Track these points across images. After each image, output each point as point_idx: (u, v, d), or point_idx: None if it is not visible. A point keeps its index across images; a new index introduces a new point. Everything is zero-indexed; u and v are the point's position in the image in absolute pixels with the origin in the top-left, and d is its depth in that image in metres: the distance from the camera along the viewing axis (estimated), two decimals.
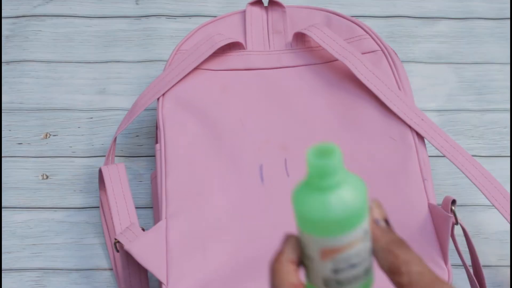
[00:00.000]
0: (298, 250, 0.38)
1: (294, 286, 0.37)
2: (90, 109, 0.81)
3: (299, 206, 0.36)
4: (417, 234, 0.63)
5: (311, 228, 0.36)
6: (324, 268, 0.37)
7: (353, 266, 0.37)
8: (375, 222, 0.38)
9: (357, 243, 0.36)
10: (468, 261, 0.67)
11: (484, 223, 0.74)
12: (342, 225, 0.35)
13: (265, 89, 0.73)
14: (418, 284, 0.35)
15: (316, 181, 0.35)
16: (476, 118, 0.81)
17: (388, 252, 0.37)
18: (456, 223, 0.62)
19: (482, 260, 0.70)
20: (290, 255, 0.37)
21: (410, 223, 0.64)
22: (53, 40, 0.86)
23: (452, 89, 0.83)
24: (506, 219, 0.65)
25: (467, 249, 0.66)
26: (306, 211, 0.35)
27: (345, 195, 0.35)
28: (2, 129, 0.80)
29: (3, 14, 0.88)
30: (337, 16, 0.75)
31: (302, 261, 0.38)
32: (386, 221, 0.38)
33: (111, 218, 0.68)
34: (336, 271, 0.37)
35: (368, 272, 0.38)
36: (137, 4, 0.89)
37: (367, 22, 0.88)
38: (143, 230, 0.65)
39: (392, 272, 0.36)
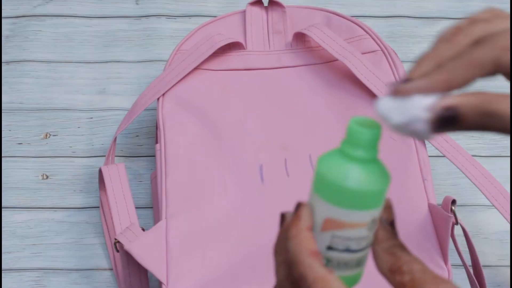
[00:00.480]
0: (312, 217, 0.36)
1: (314, 253, 0.36)
2: (90, 109, 0.81)
3: (323, 167, 0.36)
4: (417, 234, 0.63)
5: (327, 192, 0.35)
6: (321, 240, 0.37)
7: (347, 250, 0.37)
8: (382, 222, 0.37)
9: (361, 227, 0.36)
10: (468, 261, 0.67)
11: (484, 223, 0.74)
12: (356, 200, 0.35)
13: (265, 89, 0.73)
14: (421, 281, 0.35)
15: (351, 149, 0.35)
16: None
17: (390, 254, 0.37)
18: (456, 223, 0.62)
19: (482, 260, 0.70)
20: (307, 222, 0.36)
21: (410, 223, 0.64)
22: (53, 40, 0.86)
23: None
24: (506, 219, 0.65)
25: (467, 249, 0.66)
26: (329, 173, 0.35)
27: (372, 173, 0.35)
28: (2, 129, 0.80)
29: (3, 14, 0.88)
30: (337, 16, 0.75)
31: None
32: (392, 224, 0.38)
33: (111, 218, 0.68)
34: (330, 248, 0.37)
35: (358, 265, 0.38)
36: (137, 4, 0.89)
37: (367, 22, 0.88)
38: (143, 230, 0.65)
39: (393, 271, 0.36)
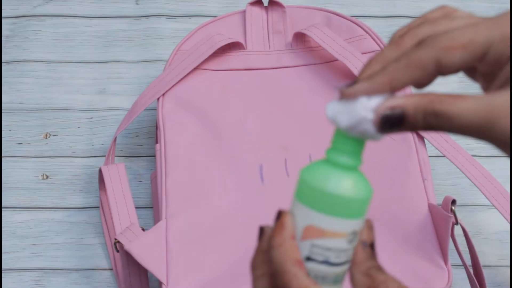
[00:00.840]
0: (294, 226, 0.36)
1: (299, 262, 0.35)
2: (90, 109, 0.81)
3: (307, 174, 0.36)
4: (417, 234, 0.63)
5: (309, 198, 0.36)
6: (300, 250, 0.37)
7: (326, 262, 0.36)
8: (362, 244, 0.37)
9: (341, 237, 0.36)
10: (468, 261, 0.67)
11: (484, 223, 0.74)
12: (337, 205, 0.35)
13: (265, 89, 0.73)
14: None
15: (335, 155, 0.36)
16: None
17: (367, 276, 0.36)
18: (456, 223, 0.62)
19: (482, 260, 0.70)
20: (291, 230, 0.36)
21: (410, 223, 0.64)
22: (53, 40, 0.86)
23: (452, 89, 0.83)
24: (506, 219, 0.65)
25: (467, 249, 0.66)
26: (312, 179, 0.36)
27: (354, 181, 0.36)
28: (2, 129, 0.80)
29: (3, 14, 0.88)
30: (337, 16, 0.75)
31: None
32: (372, 246, 0.37)
33: (111, 218, 0.68)
34: (309, 258, 0.36)
35: (336, 282, 0.37)
36: (137, 4, 0.89)
37: (367, 22, 0.88)
38: (143, 230, 0.65)
39: None
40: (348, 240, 0.36)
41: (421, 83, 0.34)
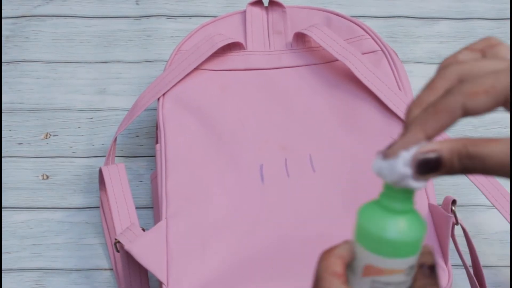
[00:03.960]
0: (349, 254, 0.39)
1: (336, 274, 0.38)
2: (90, 109, 0.81)
3: (363, 218, 0.38)
4: None
5: (366, 241, 0.38)
6: (362, 285, 0.39)
7: None
8: (421, 266, 0.39)
9: (400, 273, 0.38)
10: (468, 261, 0.67)
11: (484, 223, 0.74)
12: (394, 249, 0.37)
13: (265, 89, 0.73)
14: None
15: (388, 201, 0.37)
16: (476, 118, 0.81)
17: None
18: (456, 223, 0.62)
19: (482, 260, 0.70)
20: (341, 252, 0.39)
21: None
22: (53, 40, 0.86)
23: None
24: (506, 219, 0.65)
25: (467, 249, 0.66)
26: (368, 224, 0.38)
27: (408, 224, 0.37)
28: (2, 129, 0.80)
29: (3, 14, 0.88)
30: (337, 16, 0.75)
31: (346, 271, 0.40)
32: (432, 268, 0.39)
33: (111, 218, 0.68)
34: None
35: None
36: (137, 4, 0.89)
37: (367, 22, 0.88)
38: (143, 230, 0.65)
39: None
40: (406, 274, 0.38)
41: (451, 124, 0.36)
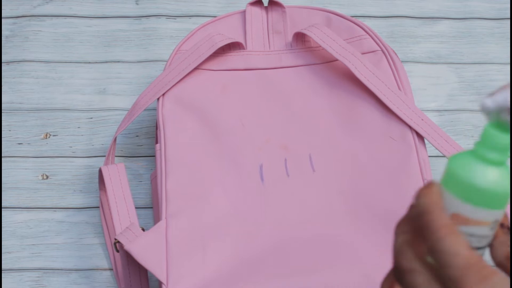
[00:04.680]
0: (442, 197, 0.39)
1: (442, 208, 0.38)
2: (90, 109, 0.81)
3: (456, 165, 0.39)
4: None
5: (457, 189, 0.38)
6: None
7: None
8: (502, 225, 0.40)
9: (484, 225, 0.39)
10: None
11: None
12: (485, 198, 0.38)
13: (265, 89, 0.73)
14: None
15: (486, 151, 0.38)
16: (476, 118, 0.81)
17: (506, 246, 0.40)
18: None
19: None
20: (439, 190, 0.39)
21: None
22: (53, 40, 0.86)
23: (452, 89, 0.83)
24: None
25: None
26: (463, 172, 0.38)
27: (502, 176, 0.38)
28: (2, 129, 0.80)
29: (3, 14, 0.88)
30: (337, 16, 0.75)
31: None
32: (509, 229, 0.41)
33: (111, 218, 0.68)
34: None
35: None
36: (137, 4, 0.89)
37: (367, 22, 0.88)
38: (143, 230, 0.65)
39: (507, 258, 0.40)
40: (490, 228, 0.39)
41: None
